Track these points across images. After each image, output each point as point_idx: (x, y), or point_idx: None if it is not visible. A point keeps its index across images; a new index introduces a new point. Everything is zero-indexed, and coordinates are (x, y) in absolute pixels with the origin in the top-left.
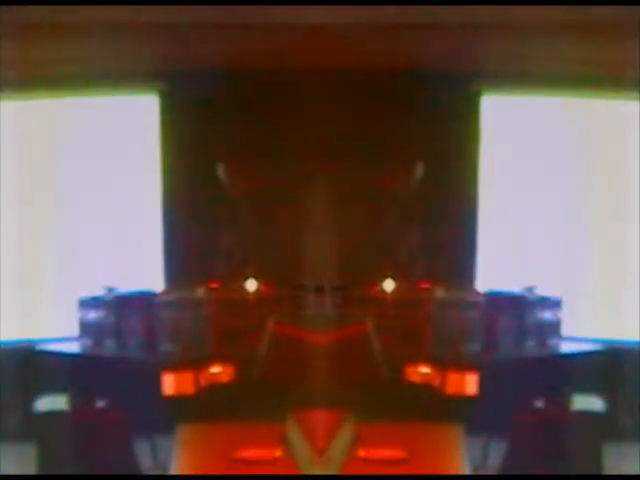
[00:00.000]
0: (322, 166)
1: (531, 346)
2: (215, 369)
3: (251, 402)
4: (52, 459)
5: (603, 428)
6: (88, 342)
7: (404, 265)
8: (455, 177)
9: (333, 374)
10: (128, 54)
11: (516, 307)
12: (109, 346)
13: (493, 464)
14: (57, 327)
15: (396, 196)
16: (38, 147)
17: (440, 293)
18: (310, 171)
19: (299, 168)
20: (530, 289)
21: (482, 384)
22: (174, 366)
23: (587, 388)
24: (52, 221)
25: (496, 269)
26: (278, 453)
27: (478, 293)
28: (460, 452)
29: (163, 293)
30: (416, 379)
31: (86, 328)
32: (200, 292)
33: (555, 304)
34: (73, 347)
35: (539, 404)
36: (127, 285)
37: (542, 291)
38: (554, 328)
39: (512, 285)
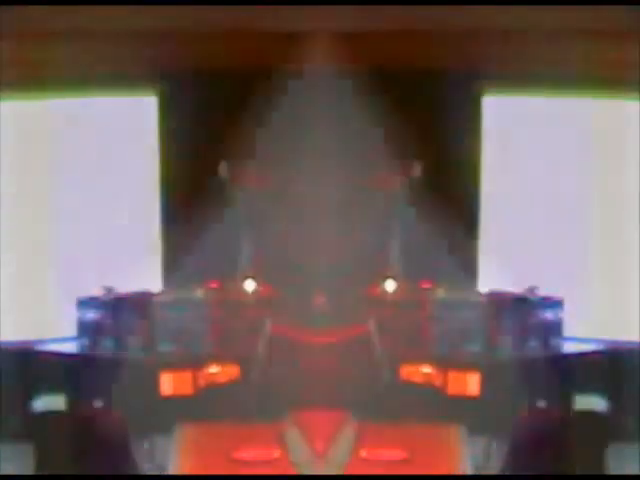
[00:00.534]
0: (323, 165)
1: (533, 346)
2: (214, 369)
3: (250, 403)
4: (50, 459)
5: (605, 428)
6: (86, 342)
7: (405, 265)
8: (457, 177)
9: (334, 375)
10: (127, 55)
11: (518, 307)
12: (107, 346)
13: (495, 464)
14: (56, 327)
15: (397, 195)
16: (37, 147)
17: (441, 293)
18: (310, 171)
19: (299, 168)
20: (532, 289)
21: (484, 384)
22: (172, 366)
23: (589, 388)
24: (51, 221)
25: (498, 269)
26: (276, 454)
27: (479, 293)
28: (462, 452)
29: (162, 293)
30: (417, 379)
31: (85, 328)
32: (199, 292)
33: (557, 304)
34: (71, 347)
35: (541, 404)
36: (126, 285)
37: (544, 291)
38: (556, 328)
39: (514, 285)
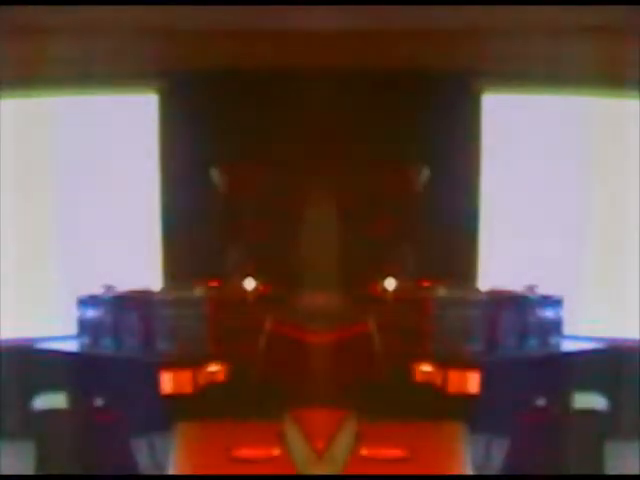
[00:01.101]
0: (322, 166)
1: (533, 345)
2: (213, 368)
3: (250, 401)
4: (50, 457)
5: (605, 426)
6: (86, 340)
7: (405, 263)
8: (456, 176)
9: (334, 373)
10: (127, 53)
11: (518, 306)
12: (107, 344)
13: (495, 462)
14: (55, 325)
15: (397, 195)
16: (37, 146)
17: (442, 292)
18: (310, 170)
19: (299, 167)
20: (532, 288)
21: (484, 383)
22: (172, 365)
23: (589, 386)
24: (51, 220)
25: (498, 268)
26: (276, 452)
27: (480, 291)
28: (462, 451)
29: (162, 292)
30: (418, 378)
31: (84, 326)
32: (199, 291)
33: (557, 303)
34: (71, 345)
35: (541, 402)
36: (126, 284)
37: (544, 290)
38: (556, 326)
39: (514, 284)
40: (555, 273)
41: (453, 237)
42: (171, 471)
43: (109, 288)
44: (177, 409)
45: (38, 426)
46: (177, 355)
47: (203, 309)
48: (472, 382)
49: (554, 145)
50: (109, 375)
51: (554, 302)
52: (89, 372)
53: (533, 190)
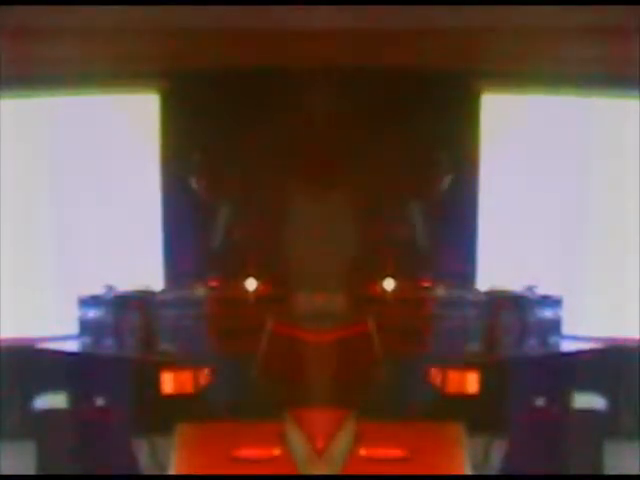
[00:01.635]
0: (323, 166)
1: (532, 345)
2: (214, 368)
3: (250, 401)
4: (51, 457)
5: (604, 426)
6: (87, 340)
7: (404, 263)
8: (455, 175)
9: (333, 373)
10: (129, 52)
11: (517, 306)
12: (108, 344)
13: (494, 462)
14: (56, 325)
15: (396, 195)
16: (38, 146)
17: (441, 292)
18: (311, 170)
19: (300, 167)
20: (531, 288)
21: (483, 383)
22: (173, 365)
23: (588, 386)
24: (51, 219)
25: (497, 268)
26: (277, 452)
27: (479, 292)
28: (461, 451)
29: (162, 292)
30: (417, 378)
31: (85, 326)
32: (200, 291)
33: (556, 303)
34: (72, 345)
35: (540, 403)
36: (126, 284)
37: (543, 290)
38: (555, 327)
39: (513, 284)
40: (555, 273)
41: (452, 236)
42: (172, 471)
43: (110, 288)
44: (178, 409)
45: (39, 426)
46: (178, 355)
47: (204, 309)
48: (471, 382)
49: (553, 145)
50: (110, 375)
51: (553, 302)
52: (90, 372)
53: (532, 190)
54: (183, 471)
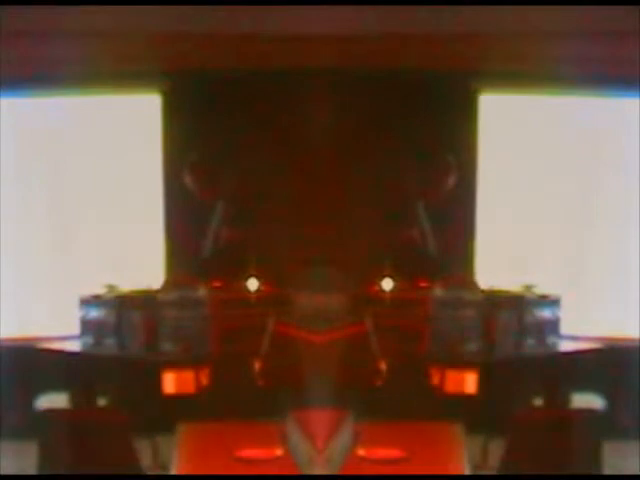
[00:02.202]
0: (323, 166)
1: (530, 344)
2: (216, 368)
3: (251, 401)
4: (52, 457)
5: (602, 426)
6: (89, 340)
7: (402, 264)
8: (454, 175)
9: (332, 373)
10: (131, 53)
11: (515, 306)
12: (110, 344)
13: (493, 463)
14: (58, 325)
15: (396, 194)
16: (40, 146)
17: (439, 292)
18: (312, 171)
19: (301, 167)
20: (529, 287)
21: (481, 383)
22: (175, 365)
23: (586, 386)
24: (53, 219)
25: (495, 268)
26: (278, 452)
27: (477, 292)
28: (460, 451)
29: (164, 292)
30: (415, 378)
31: (87, 326)
32: (201, 291)
33: (554, 302)
34: (73, 345)
35: (538, 402)
36: (128, 284)
37: (541, 289)
38: (553, 326)
39: (511, 284)
40: (553, 273)
41: (450, 236)
42: (173, 471)
43: (112, 288)
44: (180, 409)
45: (40, 426)
46: (180, 355)
47: (206, 309)
48: (469, 382)
49: (552, 145)
50: (111, 375)
51: (551, 302)
52: (91, 372)
53: (531, 189)
54: (184, 471)
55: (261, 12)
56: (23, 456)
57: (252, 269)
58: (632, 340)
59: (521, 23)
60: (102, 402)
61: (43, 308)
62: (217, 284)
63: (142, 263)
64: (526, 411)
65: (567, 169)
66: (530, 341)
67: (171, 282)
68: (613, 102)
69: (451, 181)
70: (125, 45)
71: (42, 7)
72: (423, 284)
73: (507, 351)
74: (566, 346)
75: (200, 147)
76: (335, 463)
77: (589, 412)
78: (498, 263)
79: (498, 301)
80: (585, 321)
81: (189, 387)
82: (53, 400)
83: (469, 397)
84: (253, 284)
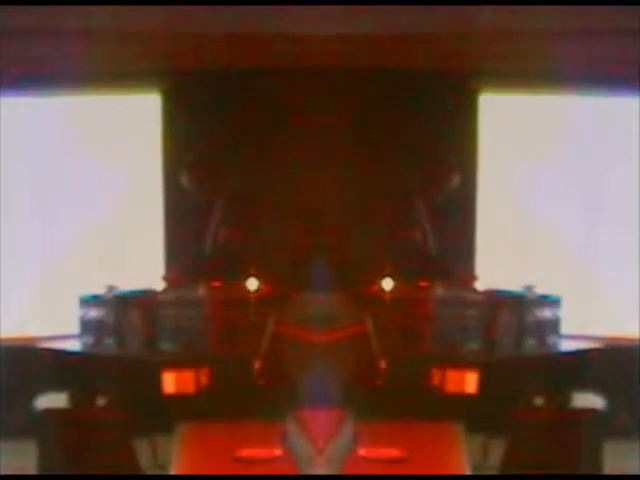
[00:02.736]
0: (323, 165)
1: (530, 344)
2: (215, 368)
3: (251, 401)
4: (52, 456)
5: (602, 426)
6: (89, 340)
7: (403, 263)
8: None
9: (332, 373)
10: (130, 53)
11: (515, 305)
12: (109, 344)
13: (493, 462)
14: (58, 325)
15: (395, 194)
16: (40, 145)
17: (439, 291)
18: (311, 170)
19: (301, 167)
20: (529, 287)
21: (482, 382)
22: (175, 364)
23: (586, 386)
24: (53, 218)
25: (495, 267)
26: (278, 452)
27: (477, 291)
28: (460, 450)
29: (164, 291)
30: (415, 378)
31: (87, 326)
32: (201, 291)
33: (554, 302)
34: (74, 345)
35: (539, 402)
36: (128, 283)
37: (541, 289)
38: (553, 326)
39: (511, 283)
40: (553, 273)
41: (451, 236)
42: (173, 471)
43: (111, 288)
44: (179, 409)
45: (40, 425)
46: (179, 355)
47: (205, 309)
48: (470, 382)
49: (553, 144)
50: (111, 375)
51: (552, 302)
52: (91, 372)
53: (531, 189)
54: (184, 471)
55: (261, 12)
56: (23, 455)
57: (252, 269)
58: (632, 340)
59: (521, 22)
60: (101, 402)
61: (43, 308)
62: (217, 284)
63: (142, 263)
64: (526, 411)
65: (567, 168)
66: (530, 341)
67: (171, 282)
68: (613, 102)
69: (452, 181)
70: (125, 45)
71: (42, 7)
72: (423, 284)
73: (507, 351)
74: (566, 346)
75: (200, 146)
76: (336, 463)
77: (589, 412)
78: (498, 263)
79: (498, 301)
80: (585, 321)
81: (189, 387)
82: (53, 400)
83: (469, 397)
84: (253, 284)
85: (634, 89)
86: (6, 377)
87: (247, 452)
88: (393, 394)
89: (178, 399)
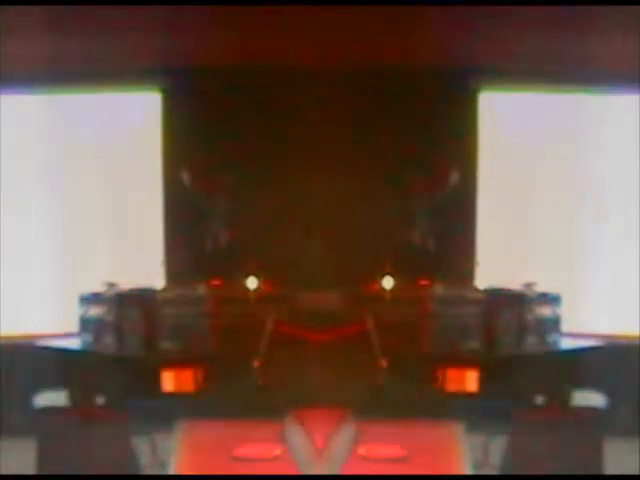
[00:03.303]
0: (322, 164)
1: (531, 342)
2: (215, 366)
3: (251, 400)
4: (51, 455)
5: (603, 424)
6: (88, 338)
7: (403, 262)
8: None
9: (333, 372)
10: (130, 51)
11: (516, 304)
12: (109, 342)
13: (494, 461)
14: (57, 323)
15: (395, 193)
16: (40, 144)
17: (439, 290)
18: (311, 169)
19: (301, 166)
20: (529, 285)
21: (482, 381)
22: (174, 363)
23: (587, 384)
24: (54, 217)
25: (495, 266)
26: (277, 451)
27: (477, 290)
28: (460, 449)
29: (164, 290)
30: (416, 377)
31: (86, 324)
32: (201, 289)
33: (555, 300)
34: (73, 343)
35: (539, 400)
36: (128, 282)
37: (541, 287)
38: (554, 324)
39: (511, 282)
40: (553, 271)
41: (451, 235)
42: (172, 469)
43: (111, 286)
44: (179, 408)
45: (39, 424)
46: (179, 354)
47: (205, 308)
48: (470, 380)
49: (552, 142)
50: (111, 373)
51: (552, 300)
52: (91, 370)
53: (531, 188)
54: (183, 470)
55: (261, 12)
56: (22, 454)
57: (252, 268)
58: (633, 338)
59: (521, 22)
60: (101, 400)
61: (42, 305)
62: (216, 283)
63: (142, 261)
64: (527, 409)
65: (567, 168)
66: (531, 339)
67: (170, 280)
68: (613, 100)
69: (452, 180)
70: (125, 43)
71: (42, 7)
72: (424, 282)
73: (508, 349)
74: (567, 344)
75: (200, 145)
76: (336, 462)
77: (590, 410)
78: (498, 261)
79: (499, 299)
80: (586, 319)
81: (188, 385)
82: (52, 398)
83: (470, 395)
84: (252, 283)
85: (634, 88)
86: (5, 375)
87: (246, 451)
88: (393, 393)
89: (178, 397)
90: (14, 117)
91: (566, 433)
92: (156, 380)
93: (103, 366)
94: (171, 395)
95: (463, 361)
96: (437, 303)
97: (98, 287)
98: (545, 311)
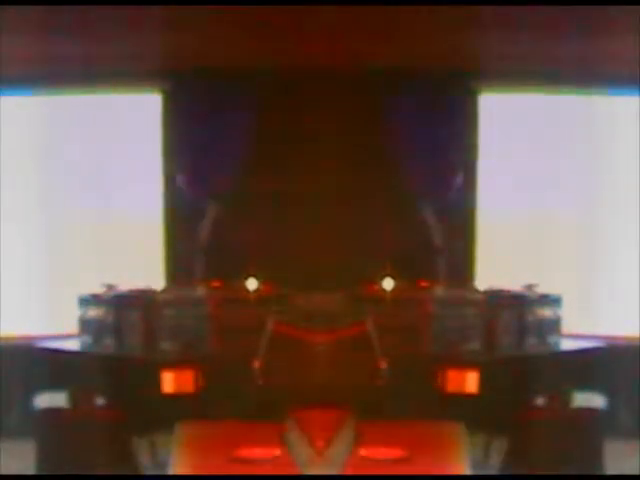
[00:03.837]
0: (324, 165)
1: (531, 343)
2: (215, 367)
3: (251, 401)
4: (51, 456)
5: (604, 425)
6: (88, 339)
7: (403, 263)
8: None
9: (333, 373)
10: (132, 52)
11: (516, 305)
12: (108, 344)
13: (494, 462)
14: (57, 324)
15: (396, 194)
16: (41, 144)
17: (439, 291)
18: (312, 170)
19: (301, 166)
20: (530, 286)
21: (483, 382)
22: (174, 364)
23: (588, 385)
24: (54, 217)
25: (496, 267)
26: (277, 452)
27: (478, 291)
28: (461, 450)
29: (163, 291)
30: (416, 377)
31: (86, 325)
32: (200, 290)
33: (555, 301)
34: (73, 344)
35: (540, 401)
36: (127, 283)
37: (542, 288)
38: (554, 325)
39: (512, 283)
40: (554, 272)
41: (451, 236)
42: (172, 471)
43: (111, 287)
44: (178, 409)
45: (39, 425)
46: (178, 355)
47: (205, 309)
48: (471, 381)
49: (552, 143)
50: (110, 374)
51: (552, 301)
52: (90, 371)
53: (531, 188)
54: (183, 471)
55: (262, 13)
56: (22, 455)
57: (251, 269)
58: (633, 339)
59: (521, 23)
60: (101, 401)
61: (42, 307)
62: (216, 283)
63: (141, 263)
64: (527, 410)
65: (567, 168)
66: (531, 340)
67: (170, 281)
68: (613, 101)
69: (457, 182)
70: (126, 44)
71: (42, 7)
72: (424, 283)
73: (508, 350)
74: (567, 345)
75: (200, 145)
76: (336, 462)
77: (590, 411)
78: (499, 262)
79: (499, 300)
80: (586, 320)
81: (188, 386)
82: (52, 399)
83: (470, 396)
84: (252, 284)
85: (634, 88)
86: (5, 376)
87: (246, 452)
88: (394, 394)
89: (177, 399)
90: (13, 117)
91: (566, 434)
92: (156, 381)
93: (103, 367)
94: (171, 396)
95: (463, 362)
96: (437, 304)
97: (97, 288)
98: (546, 312)
